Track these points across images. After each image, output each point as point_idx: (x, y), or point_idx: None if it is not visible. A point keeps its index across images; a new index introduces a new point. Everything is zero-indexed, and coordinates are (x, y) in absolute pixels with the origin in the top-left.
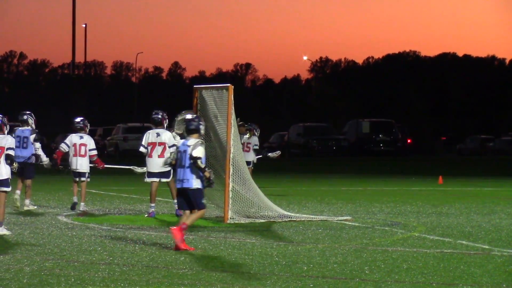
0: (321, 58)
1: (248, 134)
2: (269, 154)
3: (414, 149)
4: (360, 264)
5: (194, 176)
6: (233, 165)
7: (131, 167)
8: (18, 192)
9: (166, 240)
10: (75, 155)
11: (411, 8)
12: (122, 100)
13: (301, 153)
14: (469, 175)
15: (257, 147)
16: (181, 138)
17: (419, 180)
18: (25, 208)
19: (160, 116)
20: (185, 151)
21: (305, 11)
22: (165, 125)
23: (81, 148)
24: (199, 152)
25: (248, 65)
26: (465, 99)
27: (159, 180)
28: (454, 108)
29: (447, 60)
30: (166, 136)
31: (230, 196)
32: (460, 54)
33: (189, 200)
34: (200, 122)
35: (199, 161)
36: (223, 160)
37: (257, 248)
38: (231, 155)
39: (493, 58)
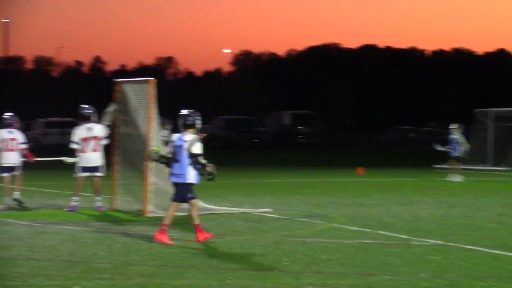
0: (243, 50)
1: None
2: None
3: (335, 141)
4: (280, 255)
5: (189, 171)
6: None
7: (62, 158)
8: None
9: (86, 234)
10: (5, 149)
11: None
12: (43, 94)
13: (222, 146)
14: (389, 166)
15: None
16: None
17: (339, 172)
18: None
19: (90, 111)
20: (181, 146)
21: (226, 4)
22: (94, 119)
23: (11, 142)
24: (198, 148)
25: (169, 58)
26: (387, 91)
27: (91, 175)
28: (376, 99)
29: (368, 51)
30: (99, 129)
31: (150, 189)
32: (381, 45)
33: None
34: (196, 117)
35: (199, 158)
36: (144, 153)
37: (177, 241)
38: (152, 149)
39: (414, 49)
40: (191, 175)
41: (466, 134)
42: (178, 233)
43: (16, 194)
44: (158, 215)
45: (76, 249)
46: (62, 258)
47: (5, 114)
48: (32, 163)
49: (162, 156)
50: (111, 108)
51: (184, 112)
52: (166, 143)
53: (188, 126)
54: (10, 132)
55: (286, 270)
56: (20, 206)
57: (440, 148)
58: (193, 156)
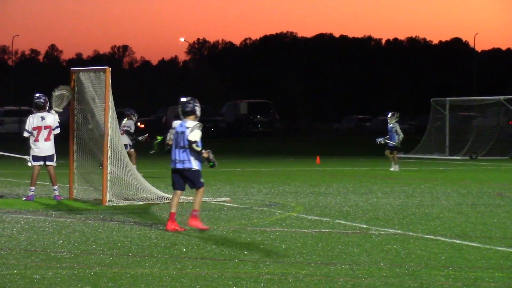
0: (198, 39)
1: (126, 118)
2: (139, 138)
3: (292, 130)
4: (239, 245)
5: (193, 157)
6: (111, 148)
7: (26, 157)
8: None
9: (44, 223)
10: None
11: None
12: None
13: None
14: (346, 155)
15: (130, 130)
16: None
17: (297, 161)
18: None
19: (43, 100)
20: (183, 132)
21: None
22: (47, 108)
23: None
24: (196, 135)
25: (125, 47)
26: (343, 80)
27: (44, 164)
28: (331, 88)
29: (324, 41)
30: (51, 119)
31: (108, 178)
32: (336, 34)
33: (186, 180)
34: (196, 104)
35: (194, 145)
36: (101, 142)
37: (135, 231)
38: (109, 138)
39: (369, 38)
40: (195, 162)
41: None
42: (136, 222)
43: None
44: (116, 204)
45: (35, 238)
46: (21, 247)
47: None
48: None
49: (165, 144)
50: (58, 92)
51: (183, 99)
52: (130, 133)
53: (188, 113)
54: None
55: (245, 259)
56: None
57: (381, 140)
58: (188, 141)
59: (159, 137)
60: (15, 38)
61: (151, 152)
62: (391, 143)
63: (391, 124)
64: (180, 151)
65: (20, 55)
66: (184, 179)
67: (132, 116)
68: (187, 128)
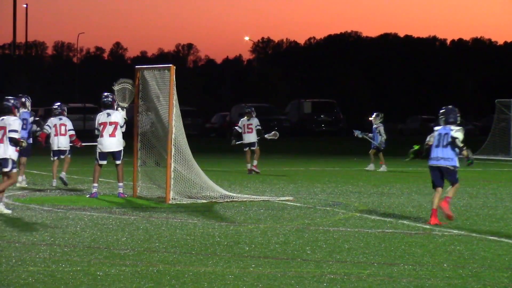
0: (263, 38)
1: (246, 116)
2: (265, 135)
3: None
4: (302, 244)
5: (455, 156)
6: (175, 146)
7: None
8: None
9: (108, 221)
10: (56, 134)
11: None
12: (63, 80)
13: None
14: None
15: (259, 127)
16: (122, 110)
17: (361, 161)
18: (18, 185)
19: (111, 99)
20: (447, 134)
21: None
22: (115, 107)
23: (61, 128)
24: (460, 134)
25: (190, 46)
26: (407, 80)
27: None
28: (396, 88)
29: (388, 40)
30: (117, 115)
31: (172, 176)
32: (401, 34)
33: (446, 176)
34: (456, 115)
35: (457, 141)
36: (165, 140)
37: (199, 229)
38: (173, 136)
39: (434, 38)
40: (457, 159)
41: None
42: (199, 220)
43: (63, 174)
44: (180, 202)
45: (99, 235)
46: (85, 244)
47: (54, 103)
48: (78, 147)
49: (422, 145)
50: (118, 86)
51: (448, 109)
52: (259, 131)
53: (452, 123)
54: (60, 119)
55: (308, 259)
56: (64, 185)
57: (358, 134)
58: (453, 139)
59: (415, 146)
60: (80, 35)
61: (407, 159)
62: (374, 143)
63: (375, 125)
64: (444, 149)
65: (85, 52)
66: (442, 176)
67: (252, 113)
68: (451, 130)
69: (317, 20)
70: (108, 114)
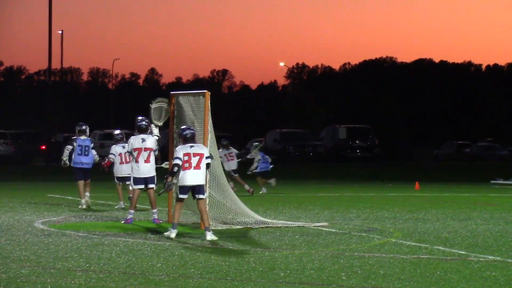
0: (297, 64)
1: (223, 148)
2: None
3: (391, 155)
4: (337, 270)
5: None
6: (209, 171)
7: (163, 164)
8: (87, 194)
9: (143, 246)
10: (121, 163)
11: (388, 14)
12: (98, 106)
13: (278, 159)
14: (445, 180)
15: (239, 153)
16: (156, 127)
17: (396, 186)
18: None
19: (145, 123)
20: None
21: (282, 17)
22: (149, 131)
23: (126, 156)
24: None
25: (224, 71)
26: (442, 105)
27: (145, 188)
28: (431, 113)
29: (423, 66)
30: (151, 141)
31: (207, 202)
32: (436, 60)
33: None
34: None
35: None
36: None
37: (234, 254)
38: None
39: (469, 64)
40: None
41: None
42: (234, 246)
43: (122, 205)
44: (215, 228)
45: (134, 261)
46: (120, 270)
47: (116, 130)
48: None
49: None
50: (155, 104)
51: None
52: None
53: None
54: (123, 147)
55: (343, 285)
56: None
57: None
58: None
59: None
60: (116, 61)
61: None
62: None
63: (253, 153)
64: None
65: (120, 78)
66: None
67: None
68: None
69: (352, 46)
70: (143, 140)
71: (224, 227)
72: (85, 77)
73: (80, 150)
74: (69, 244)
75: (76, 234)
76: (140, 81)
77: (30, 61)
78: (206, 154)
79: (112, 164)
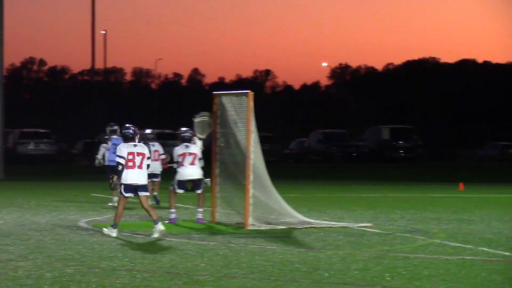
0: (340, 64)
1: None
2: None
3: (434, 156)
4: (381, 271)
5: None
6: (253, 171)
7: (206, 180)
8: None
9: (187, 246)
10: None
11: (431, 15)
12: (141, 106)
13: (321, 159)
14: (489, 181)
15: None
16: (199, 140)
17: (440, 187)
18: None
19: (189, 134)
20: None
21: (325, 17)
22: (193, 141)
23: (154, 154)
24: None
25: (267, 72)
26: (485, 105)
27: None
28: (474, 114)
29: (466, 66)
30: (196, 148)
31: (251, 202)
32: (479, 60)
33: None
34: None
35: None
36: (243, 166)
37: (277, 255)
38: (251, 161)
39: None
40: None
41: None
42: (278, 246)
43: (156, 194)
44: (259, 228)
45: (178, 261)
46: (164, 269)
47: (146, 129)
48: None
49: None
50: (198, 118)
51: None
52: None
53: None
54: (153, 145)
55: (388, 285)
56: (157, 204)
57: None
58: None
59: None
60: (159, 61)
61: None
62: None
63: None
64: None
65: (163, 78)
66: None
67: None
68: None
69: (395, 46)
70: (187, 146)
71: (268, 227)
72: (128, 77)
73: (114, 149)
74: (113, 244)
75: (120, 234)
76: (183, 81)
77: (73, 61)
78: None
79: None
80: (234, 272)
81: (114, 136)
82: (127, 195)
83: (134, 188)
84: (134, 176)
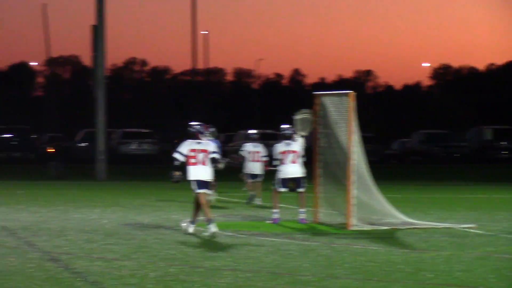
0: (442, 64)
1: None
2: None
3: None
4: (485, 272)
5: None
6: (355, 172)
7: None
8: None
9: (290, 246)
10: (252, 160)
11: None
12: (242, 106)
13: (423, 160)
14: None
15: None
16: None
17: None
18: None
19: (290, 132)
20: None
21: (425, 18)
22: (294, 138)
23: (255, 155)
24: None
25: (368, 72)
26: None
27: (294, 189)
28: None
29: None
30: (297, 145)
31: (353, 203)
32: None
33: None
34: None
35: None
36: (346, 166)
37: (380, 255)
38: (354, 162)
39: None
40: None
41: None
42: (382, 247)
43: (258, 200)
44: (361, 228)
45: (281, 261)
46: (267, 269)
47: (250, 130)
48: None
49: None
50: (300, 116)
51: None
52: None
53: None
54: (255, 146)
55: (492, 287)
56: (258, 205)
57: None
58: None
59: None
60: (260, 62)
61: None
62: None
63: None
64: None
65: (264, 79)
66: None
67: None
68: None
69: (497, 46)
70: (288, 144)
71: (370, 227)
72: (229, 77)
73: None
74: (216, 243)
75: (223, 233)
76: (284, 81)
77: (175, 61)
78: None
79: (243, 160)
80: (337, 273)
81: (211, 137)
82: (201, 191)
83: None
84: (198, 172)
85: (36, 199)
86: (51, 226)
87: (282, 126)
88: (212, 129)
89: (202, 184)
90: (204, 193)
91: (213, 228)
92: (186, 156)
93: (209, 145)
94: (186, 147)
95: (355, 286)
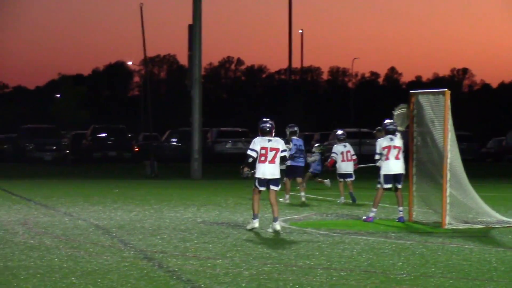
0: None
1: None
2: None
3: None
4: None
5: None
6: (450, 170)
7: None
8: (303, 193)
9: (384, 245)
10: (343, 160)
11: None
12: (338, 105)
13: None
14: None
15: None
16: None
17: None
18: (303, 199)
19: (394, 127)
20: None
21: None
22: (397, 133)
23: (347, 154)
24: None
25: (465, 70)
26: None
27: (394, 186)
28: None
29: None
30: (400, 141)
31: (448, 201)
32: None
33: None
34: None
35: None
36: (441, 165)
37: (475, 254)
38: (449, 160)
39: None
40: None
41: None
42: (476, 246)
43: (351, 192)
44: (456, 227)
45: (375, 260)
46: (361, 268)
47: (338, 130)
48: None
49: None
50: (398, 111)
51: None
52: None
53: None
54: (345, 146)
55: None
56: (353, 202)
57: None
58: None
59: None
60: (355, 60)
61: None
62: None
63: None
64: None
65: (360, 77)
66: None
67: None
68: None
69: None
70: (391, 139)
71: (465, 226)
72: (325, 76)
73: (295, 150)
74: (310, 242)
75: (317, 232)
76: (380, 80)
77: (270, 60)
78: (282, 148)
79: (334, 162)
80: (431, 271)
81: (294, 137)
82: (261, 188)
83: (266, 182)
84: (266, 170)
85: (132, 197)
86: (145, 225)
87: (386, 121)
88: (295, 128)
89: (265, 181)
90: (260, 191)
91: (277, 226)
92: (257, 153)
93: (280, 143)
94: (257, 144)
95: (449, 285)
